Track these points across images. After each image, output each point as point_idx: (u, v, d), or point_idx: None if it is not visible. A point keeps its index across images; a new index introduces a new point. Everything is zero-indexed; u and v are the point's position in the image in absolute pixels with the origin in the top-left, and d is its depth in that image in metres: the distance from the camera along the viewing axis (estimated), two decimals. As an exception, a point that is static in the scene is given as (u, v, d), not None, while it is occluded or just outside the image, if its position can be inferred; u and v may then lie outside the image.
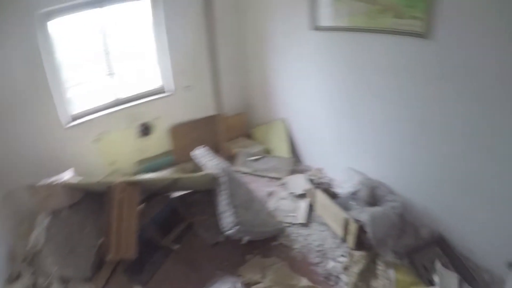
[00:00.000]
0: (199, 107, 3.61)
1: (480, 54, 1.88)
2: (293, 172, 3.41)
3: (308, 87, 3.14)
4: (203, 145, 2.97)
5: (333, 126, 3.06)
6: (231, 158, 3.63)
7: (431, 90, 2.20)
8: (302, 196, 3.07)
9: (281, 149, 3.57)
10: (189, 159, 3.04)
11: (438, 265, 2.27)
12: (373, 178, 2.80)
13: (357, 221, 2.41)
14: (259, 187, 3.23)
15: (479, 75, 1.92)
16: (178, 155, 3.49)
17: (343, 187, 2.99)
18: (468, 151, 2.15)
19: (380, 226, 2.41)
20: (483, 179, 2.11)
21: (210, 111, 3.61)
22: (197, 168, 2.82)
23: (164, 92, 3.46)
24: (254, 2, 3.48)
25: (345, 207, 2.63)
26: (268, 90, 3.63)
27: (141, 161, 3.39)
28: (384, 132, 2.61)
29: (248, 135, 4.02)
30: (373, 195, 2.72)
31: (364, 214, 2.40)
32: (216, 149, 3.49)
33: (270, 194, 3.17)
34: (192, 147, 2.96)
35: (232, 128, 3.84)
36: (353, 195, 2.81)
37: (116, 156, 3.27)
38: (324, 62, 2.88)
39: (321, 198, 2.76)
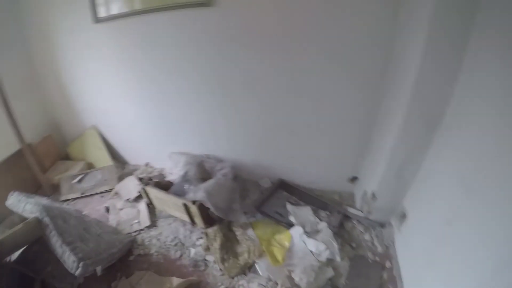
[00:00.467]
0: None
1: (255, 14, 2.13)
2: (122, 177, 3.41)
3: (109, 85, 3.05)
4: (13, 190, 2.66)
5: (144, 118, 3.10)
6: (55, 188, 3.43)
7: (225, 52, 2.38)
8: (138, 198, 3.13)
9: (102, 159, 3.49)
10: (9, 215, 2.87)
11: (289, 207, 2.55)
12: (198, 154, 3.01)
13: (195, 202, 2.53)
14: (94, 207, 3.18)
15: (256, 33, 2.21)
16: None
17: (174, 173, 3.13)
18: (271, 103, 2.51)
19: (218, 197, 2.57)
20: (298, 122, 2.51)
21: (11, 148, 3.18)
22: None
23: None
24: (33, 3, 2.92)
25: (182, 193, 2.75)
26: (70, 100, 3.39)
27: None
28: (193, 107, 2.77)
29: (65, 156, 3.76)
30: (203, 170, 2.91)
31: (200, 192, 2.53)
32: (37, 186, 3.33)
33: (108, 209, 3.11)
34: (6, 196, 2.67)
35: (45, 155, 3.52)
36: (185, 177, 2.96)
37: None
38: (116, 54, 2.77)
39: (154, 193, 2.84)
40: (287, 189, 2.69)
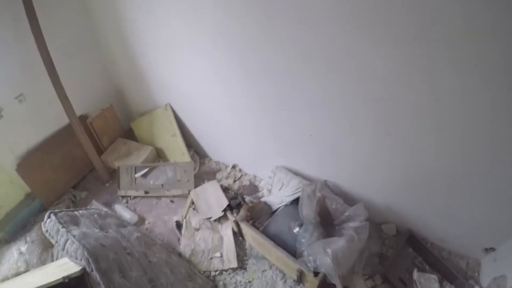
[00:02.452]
0: (45, 119, 2.70)
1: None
2: (201, 177, 2.91)
3: (197, 63, 2.33)
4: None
5: (242, 112, 2.44)
6: (112, 174, 3.01)
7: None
8: (223, 218, 2.56)
9: (176, 148, 2.95)
10: (60, 196, 2.82)
11: (416, 274, 2.18)
12: (315, 179, 2.43)
13: (315, 272, 1.96)
14: (161, 216, 2.70)
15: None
16: (44, 196, 2.77)
17: (273, 193, 2.55)
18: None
19: (344, 263, 1.96)
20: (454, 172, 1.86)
21: (62, 119, 2.71)
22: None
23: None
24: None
25: (286, 234, 2.23)
26: (139, 67, 2.78)
27: (2, 221, 2.65)
28: (323, 117, 2.05)
29: (127, 134, 3.28)
30: (323, 209, 2.26)
31: (325, 259, 1.89)
32: (91, 166, 3.00)
33: (179, 226, 2.58)
34: (58, 177, 2.77)
35: (102, 130, 3.04)
36: (292, 211, 2.34)
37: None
38: (217, 20, 1.97)
39: (251, 234, 2.27)
40: (414, 245, 2.35)
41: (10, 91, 2.37)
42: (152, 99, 2.94)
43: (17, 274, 2.33)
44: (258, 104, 2.22)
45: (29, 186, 2.68)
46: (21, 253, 2.43)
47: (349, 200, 2.35)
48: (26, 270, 2.35)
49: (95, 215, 2.16)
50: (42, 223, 1.95)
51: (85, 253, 1.72)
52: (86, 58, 2.78)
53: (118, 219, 2.34)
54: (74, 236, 1.82)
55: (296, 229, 2.22)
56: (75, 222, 2.00)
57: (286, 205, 2.39)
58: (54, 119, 2.68)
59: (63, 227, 1.87)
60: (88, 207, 2.66)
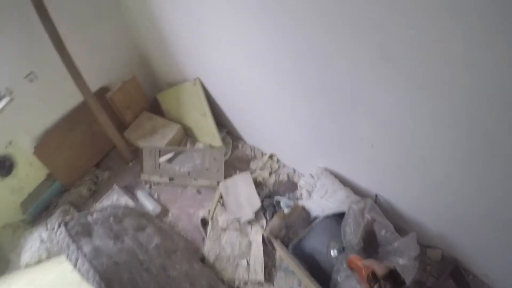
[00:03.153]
0: (60, 96, 2.53)
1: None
2: (233, 164, 2.66)
3: (236, 39, 1.96)
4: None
5: (287, 101, 2.07)
6: (135, 154, 2.84)
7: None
8: (254, 222, 2.32)
9: (206, 129, 2.68)
10: (82, 176, 2.75)
11: None
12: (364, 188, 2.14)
13: None
14: (185, 208, 2.52)
15: None
16: (64, 177, 2.70)
17: (316, 203, 2.23)
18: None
19: None
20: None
21: (80, 95, 2.51)
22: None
23: (-1, 99, 2.38)
24: None
25: (322, 255, 2.01)
26: (165, 34, 2.44)
27: (24, 203, 2.63)
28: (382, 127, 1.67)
29: (153, 106, 3.03)
30: (369, 233, 1.96)
31: None
32: (112, 145, 2.84)
33: (204, 223, 2.38)
34: (78, 156, 2.68)
35: (124, 105, 2.81)
36: (334, 220, 2.10)
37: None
38: None
39: (281, 251, 2.05)
40: (455, 277, 2.10)
41: (18, 71, 2.20)
42: (180, 70, 2.63)
43: (39, 261, 2.31)
44: (310, 96, 1.84)
45: (49, 168, 2.59)
46: (42, 240, 2.40)
47: (397, 218, 2.06)
48: (48, 258, 2.31)
49: (111, 219, 2.01)
50: (53, 233, 1.82)
51: (97, 277, 1.61)
52: (105, 24, 2.50)
53: (137, 218, 2.15)
54: (85, 255, 1.69)
55: (335, 253, 1.96)
56: (88, 231, 1.86)
57: (326, 217, 2.08)
58: (71, 96, 2.49)
59: (73, 241, 1.74)
60: (104, 205, 2.51)
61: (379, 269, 1.28)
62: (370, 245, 1.93)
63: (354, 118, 1.70)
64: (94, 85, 2.57)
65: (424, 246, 2.15)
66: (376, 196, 2.04)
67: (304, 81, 1.77)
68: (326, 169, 2.18)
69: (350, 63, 1.44)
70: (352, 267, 1.39)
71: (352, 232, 1.85)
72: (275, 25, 1.60)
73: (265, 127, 2.41)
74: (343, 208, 1.99)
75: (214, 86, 2.48)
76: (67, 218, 1.87)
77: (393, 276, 1.28)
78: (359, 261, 1.58)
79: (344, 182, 2.13)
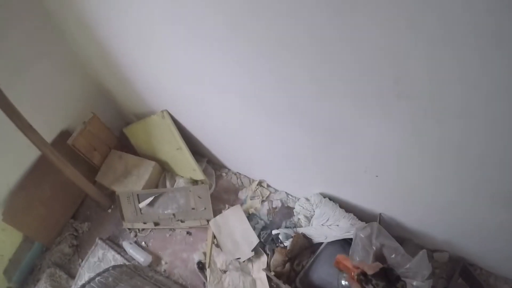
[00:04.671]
0: (18, 150, 2.42)
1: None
2: (219, 198, 2.63)
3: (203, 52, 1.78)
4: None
5: (269, 128, 1.99)
6: (113, 197, 2.74)
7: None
8: (254, 258, 2.33)
9: (182, 161, 2.62)
10: (60, 232, 2.70)
11: None
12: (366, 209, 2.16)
13: None
14: (178, 253, 2.49)
15: None
16: (42, 237, 2.66)
17: (317, 229, 2.22)
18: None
19: None
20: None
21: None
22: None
23: None
24: None
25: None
26: (120, 67, 2.31)
27: (7, 270, 2.57)
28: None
29: (121, 143, 2.96)
30: (379, 257, 1.92)
31: None
32: (85, 195, 2.81)
33: (201, 266, 2.37)
34: (51, 214, 2.60)
35: (89, 148, 2.71)
36: (339, 246, 2.12)
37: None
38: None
39: None
40: (464, 274, 2.22)
41: None
42: (145, 102, 2.57)
43: None
44: (296, 123, 1.79)
45: (23, 231, 2.57)
46: None
47: (402, 231, 2.13)
48: None
49: None
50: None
51: None
52: (50, 62, 2.35)
53: (130, 279, 2.14)
54: None
55: (345, 283, 1.97)
56: None
57: (330, 243, 2.07)
58: (29, 147, 2.35)
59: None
60: (91, 275, 2.43)
61: (370, 268, 1.28)
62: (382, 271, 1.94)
63: (353, 150, 1.69)
64: (51, 133, 2.51)
65: (431, 251, 2.23)
66: (380, 215, 2.08)
67: (290, 113, 1.72)
68: (324, 195, 2.18)
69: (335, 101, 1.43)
70: (340, 268, 1.38)
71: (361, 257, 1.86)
72: (251, 63, 1.54)
73: (249, 155, 2.42)
74: (348, 235, 1.99)
75: (185, 116, 2.44)
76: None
77: (386, 273, 1.28)
78: (348, 262, 1.58)
79: (345, 206, 2.17)
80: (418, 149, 1.45)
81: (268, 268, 2.23)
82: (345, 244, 2.11)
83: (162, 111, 2.44)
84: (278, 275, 2.17)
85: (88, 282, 2.12)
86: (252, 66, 1.53)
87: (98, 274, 2.21)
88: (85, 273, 2.48)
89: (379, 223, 2.04)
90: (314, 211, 2.23)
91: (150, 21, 1.69)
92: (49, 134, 2.43)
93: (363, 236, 1.93)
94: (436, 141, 1.35)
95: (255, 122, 1.98)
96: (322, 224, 2.15)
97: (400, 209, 2.03)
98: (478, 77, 1.00)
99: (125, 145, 2.90)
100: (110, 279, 2.14)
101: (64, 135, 2.58)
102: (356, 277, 1.28)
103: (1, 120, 2.09)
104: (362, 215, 2.16)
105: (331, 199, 2.22)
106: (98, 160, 2.76)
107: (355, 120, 1.49)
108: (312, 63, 1.31)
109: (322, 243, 2.19)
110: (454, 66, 1.01)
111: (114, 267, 2.29)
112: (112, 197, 2.73)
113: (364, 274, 1.28)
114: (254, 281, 2.25)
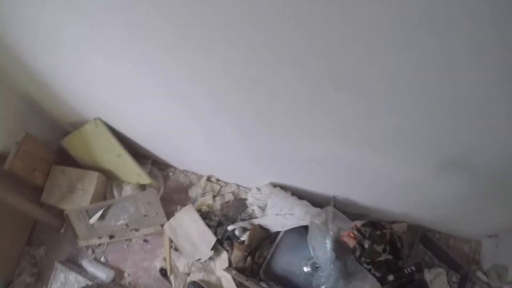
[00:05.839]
0: None
1: None
2: (170, 200, 2.62)
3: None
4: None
5: (200, 116, 1.89)
6: (62, 217, 2.67)
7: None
8: (215, 256, 2.35)
9: (125, 168, 2.59)
10: (18, 263, 2.64)
11: (427, 275, 2.32)
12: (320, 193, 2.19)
13: None
14: (138, 263, 2.50)
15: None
16: (1, 272, 2.60)
17: (273, 219, 2.23)
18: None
19: None
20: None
21: None
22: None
23: None
24: None
25: (298, 276, 2.10)
26: (39, 71, 2.18)
27: None
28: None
29: (61, 156, 2.85)
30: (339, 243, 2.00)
31: None
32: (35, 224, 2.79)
33: (163, 273, 2.39)
34: (2, 247, 2.54)
35: (28, 170, 2.62)
36: (297, 234, 2.17)
37: None
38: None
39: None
40: (424, 240, 2.43)
41: None
42: (75, 111, 2.51)
43: None
44: (232, 115, 1.75)
45: None
46: None
47: (358, 208, 2.20)
48: None
49: None
50: None
51: None
52: None
53: None
54: None
55: (308, 269, 2.09)
56: None
57: (288, 231, 2.11)
58: None
59: None
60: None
61: (358, 223, 1.35)
62: (343, 250, 1.99)
63: (298, 142, 1.69)
64: None
65: (389, 222, 2.32)
66: (334, 197, 2.13)
67: (218, 110, 1.68)
68: (275, 184, 2.18)
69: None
70: (344, 241, 1.46)
71: (320, 249, 1.95)
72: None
73: (190, 153, 2.42)
74: (304, 222, 2.01)
75: (120, 122, 2.40)
76: None
77: (374, 224, 1.35)
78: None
79: (298, 193, 2.21)
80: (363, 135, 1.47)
81: (230, 264, 2.27)
82: (303, 230, 2.18)
83: (95, 119, 2.41)
84: (241, 270, 2.23)
85: None
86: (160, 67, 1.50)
87: None
88: (51, 302, 2.55)
89: (334, 206, 2.07)
90: (267, 202, 2.25)
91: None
92: None
93: (318, 222, 2.00)
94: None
95: (184, 121, 1.95)
96: (277, 214, 2.20)
97: (354, 189, 2.07)
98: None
99: (66, 159, 2.84)
100: None
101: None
102: (353, 234, 1.34)
103: None
104: (315, 200, 2.20)
105: (282, 187, 2.25)
106: (40, 180, 2.72)
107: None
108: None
109: (280, 231, 2.24)
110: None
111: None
112: (62, 216, 2.71)
113: (358, 230, 1.34)
114: (219, 279, 2.30)
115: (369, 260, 1.25)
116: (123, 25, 1.38)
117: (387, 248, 1.23)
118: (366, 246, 1.29)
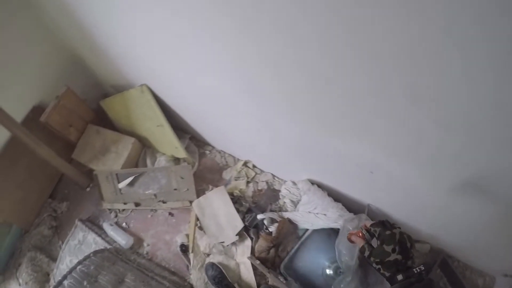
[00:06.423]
0: None
1: None
2: (202, 178, 2.65)
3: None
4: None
5: (252, 107, 1.93)
6: (90, 176, 2.74)
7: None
8: (238, 241, 2.38)
9: (163, 138, 2.62)
10: (38, 213, 2.73)
11: None
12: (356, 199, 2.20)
13: None
14: (160, 234, 2.54)
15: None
16: (20, 220, 2.69)
17: (303, 216, 2.25)
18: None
19: None
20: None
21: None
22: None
23: None
24: None
25: (320, 276, 2.12)
26: (95, 30, 2.21)
27: None
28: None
29: (98, 116, 2.93)
30: None
31: None
32: (61, 179, 2.86)
33: (184, 249, 2.42)
34: (27, 196, 2.63)
35: (64, 125, 2.68)
36: (324, 235, 2.20)
37: None
38: None
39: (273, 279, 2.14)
40: (442, 265, 2.35)
41: None
42: (123, 74, 2.54)
43: None
44: (294, 111, 1.74)
45: None
46: None
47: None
48: None
49: (85, 283, 2.08)
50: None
51: None
52: (16, 30, 2.29)
53: (112, 266, 2.25)
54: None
55: (330, 272, 2.11)
56: None
57: (316, 230, 2.17)
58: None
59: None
60: (72, 263, 2.47)
61: (368, 223, 1.39)
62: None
63: (350, 144, 1.68)
64: (23, 109, 2.51)
65: (414, 241, 2.27)
66: (368, 205, 2.14)
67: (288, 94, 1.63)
68: (313, 182, 2.19)
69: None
70: (352, 240, 1.50)
71: (347, 255, 1.97)
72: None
73: (236, 135, 2.43)
74: (335, 225, 2.04)
75: (167, 92, 2.42)
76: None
77: (384, 224, 1.39)
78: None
79: (334, 194, 2.23)
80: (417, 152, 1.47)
81: (252, 253, 2.31)
82: (332, 232, 2.21)
83: (141, 85, 2.43)
84: (263, 261, 2.26)
85: (70, 272, 2.23)
86: (244, 49, 1.47)
87: (79, 263, 2.31)
88: (66, 257, 2.57)
89: (367, 214, 2.11)
90: (300, 196, 2.28)
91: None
92: (20, 111, 2.45)
93: (351, 228, 2.00)
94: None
95: (246, 105, 1.93)
96: (309, 212, 2.22)
97: (390, 203, 2.07)
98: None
99: (102, 119, 2.91)
100: (92, 267, 2.24)
101: (37, 110, 2.58)
102: (361, 234, 1.36)
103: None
104: (349, 204, 2.21)
105: (320, 186, 2.27)
106: (74, 136, 2.79)
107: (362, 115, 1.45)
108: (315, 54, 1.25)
109: (307, 229, 2.27)
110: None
111: (95, 253, 2.39)
112: (90, 175, 2.77)
113: (367, 230, 1.37)
114: (237, 265, 2.34)
115: (378, 260, 1.26)
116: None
117: (397, 248, 1.24)
118: (375, 245, 1.31)
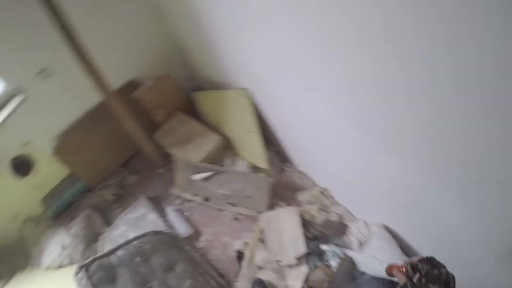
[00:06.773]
0: (80, 92, 2.59)
1: None
2: (276, 193, 2.65)
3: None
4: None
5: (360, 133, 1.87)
6: (167, 159, 2.87)
7: None
8: (296, 265, 2.38)
9: (250, 145, 2.70)
10: (107, 177, 2.94)
11: None
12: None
13: None
14: (219, 233, 2.60)
15: None
16: (88, 178, 2.88)
17: (368, 259, 2.23)
18: None
19: None
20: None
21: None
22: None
23: (11, 98, 2.43)
24: None
25: None
26: (207, 24, 2.33)
27: (46, 199, 2.84)
28: None
29: (189, 105, 3.04)
30: None
31: None
32: (137, 153, 2.98)
33: (240, 256, 2.47)
34: (101, 158, 2.82)
35: (155, 105, 2.86)
36: (382, 284, 2.11)
37: (12, 210, 2.73)
38: None
39: None
40: None
41: (29, 67, 2.31)
42: (225, 73, 2.65)
43: (61, 266, 2.54)
44: (397, 149, 1.70)
45: (70, 168, 2.79)
46: (63, 246, 2.61)
47: None
48: (70, 264, 2.53)
49: (137, 259, 2.18)
50: (74, 276, 2.04)
51: None
52: (129, 7, 2.50)
53: (166, 251, 2.32)
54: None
55: None
56: (111, 278, 2.08)
57: (374, 278, 2.15)
58: (93, 92, 2.53)
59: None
60: (129, 237, 2.46)
61: (414, 259, 1.39)
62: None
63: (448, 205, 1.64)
64: (120, 79, 2.67)
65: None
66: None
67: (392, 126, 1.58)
68: (386, 228, 2.20)
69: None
70: (392, 274, 1.50)
71: None
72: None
73: (322, 160, 2.46)
74: (395, 279, 2.05)
75: (267, 101, 2.48)
76: (88, 261, 2.08)
77: (431, 261, 1.39)
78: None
79: (404, 247, 2.20)
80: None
81: (306, 281, 2.33)
82: (390, 285, 2.17)
83: (243, 89, 2.50)
84: (314, 292, 2.29)
85: (126, 243, 2.31)
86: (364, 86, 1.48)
87: (137, 237, 2.40)
88: (121, 226, 2.66)
89: None
90: (369, 238, 2.28)
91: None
92: (117, 80, 2.60)
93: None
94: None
95: (346, 137, 1.96)
96: (374, 257, 2.20)
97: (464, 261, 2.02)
98: None
99: (191, 109, 3.01)
100: (148, 246, 2.33)
101: (132, 85, 2.73)
102: (405, 269, 1.38)
103: (69, 62, 2.20)
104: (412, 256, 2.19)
105: (393, 234, 2.25)
106: (160, 118, 2.92)
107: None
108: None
109: (365, 273, 2.27)
110: None
111: (154, 232, 2.47)
112: (166, 158, 2.89)
113: (412, 266, 1.38)
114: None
115: None
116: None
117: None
118: (418, 283, 1.30)
